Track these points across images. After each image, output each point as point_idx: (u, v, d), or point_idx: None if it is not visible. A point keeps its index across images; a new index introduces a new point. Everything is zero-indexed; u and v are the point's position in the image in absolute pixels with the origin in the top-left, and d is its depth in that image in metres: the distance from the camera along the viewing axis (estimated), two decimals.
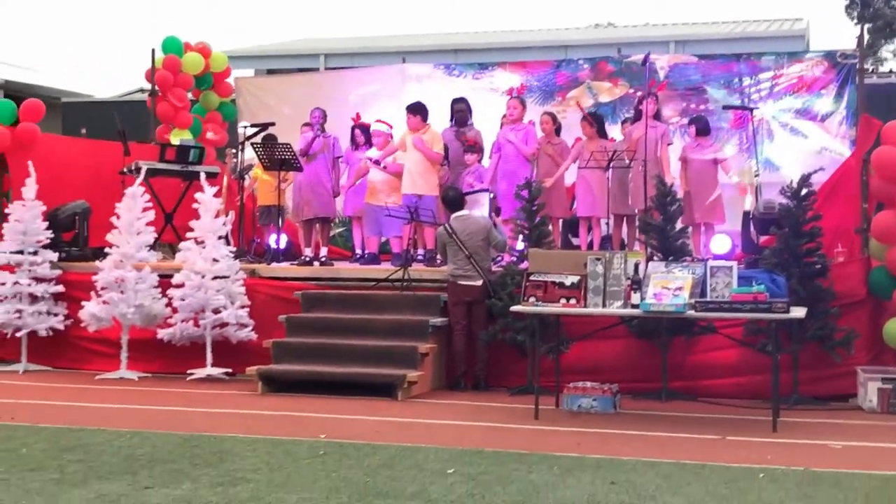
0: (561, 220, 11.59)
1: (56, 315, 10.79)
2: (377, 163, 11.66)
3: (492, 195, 11.33)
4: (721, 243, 10.83)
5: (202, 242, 10.30)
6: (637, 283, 8.03)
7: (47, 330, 10.69)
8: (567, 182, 11.65)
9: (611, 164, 10.74)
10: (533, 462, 6.60)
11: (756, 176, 11.12)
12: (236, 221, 11.59)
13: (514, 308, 8.56)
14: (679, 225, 9.54)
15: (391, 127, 11.96)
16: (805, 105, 12.61)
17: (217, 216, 10.43)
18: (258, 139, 11.94)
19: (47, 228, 10.86)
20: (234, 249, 10.71)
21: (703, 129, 11.25)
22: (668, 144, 11.10)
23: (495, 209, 11.42)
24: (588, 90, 13.41)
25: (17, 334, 10.69)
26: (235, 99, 14.80)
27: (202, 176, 10.82)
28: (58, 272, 10.90)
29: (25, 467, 6.37)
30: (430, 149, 11.08)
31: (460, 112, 11.82)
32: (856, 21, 32.72)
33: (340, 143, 12.25)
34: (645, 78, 11.00)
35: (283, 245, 12.00)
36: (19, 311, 10.64)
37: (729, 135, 12.76)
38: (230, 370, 10.18)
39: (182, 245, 10.50)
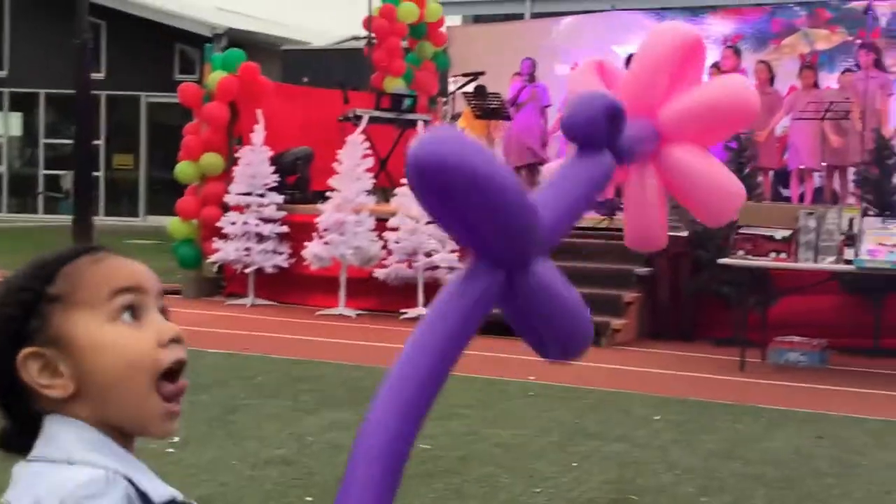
0: (772, 172, 11.43)
1: (281, 254, 11.53)
2: None
3: None
4: None
5: None
6: (851, 239, 7.93)
7: (273, 267, 11.44)
8: (777, 132, 11.45)
9: (826, 115, 10.50)
10: (738, 413, 6.72)
11: None
12: None
13: (723, 260, 8.61)
14: None
15: None
16: None
17: None
18: (469, 88, 12.27)
19: (273, 172, 11.57)
20: None
21: None
22: (889, 95, 10.75)
23: None
24: (804, 37, 13.07)
25: (246, 270, 11.51)
26: (448, 48, 15.16)
27: (419, 124, 11.25)
28: (283, 213, 11.62)
29: (262, 394, 6.99)
30: None
31: None
32: None
33: (550, 92, 12.43)
34: (866, 25, 10.65)
35: None
36: (248, 248, 11.42)
37: None
38: None
39: (397, 190, 10.99)
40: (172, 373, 1.20)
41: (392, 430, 1.35)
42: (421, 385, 1.38)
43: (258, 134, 11.44)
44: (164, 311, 1.23)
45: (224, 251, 11.45)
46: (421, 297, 10.70)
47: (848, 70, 11.31)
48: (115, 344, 1.17)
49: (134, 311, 1.19)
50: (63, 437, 1.17)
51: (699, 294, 9.67)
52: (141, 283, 1.21)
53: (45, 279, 1.19)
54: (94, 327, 1.17)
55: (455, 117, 12.92)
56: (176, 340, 1.21)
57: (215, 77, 12.06)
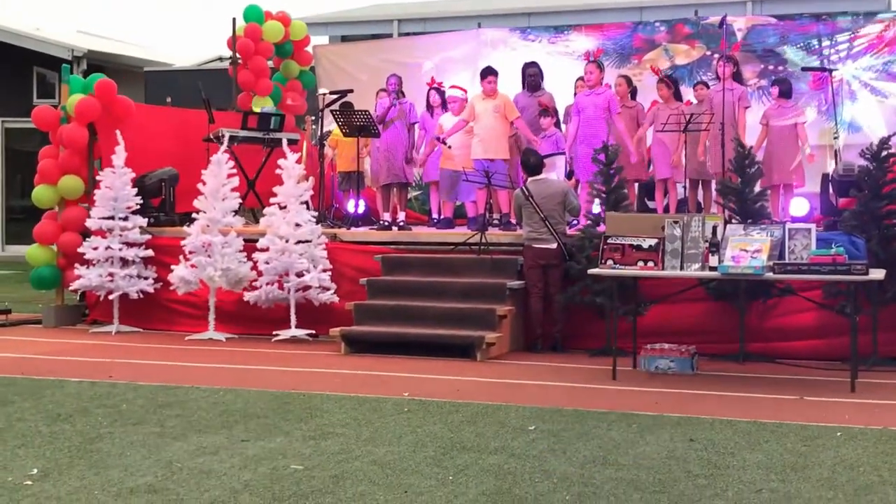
0: (637, 184, 11.63)
1: (146, 278, 11.18)
2: (443, 142, 11.66)
3: (571, 158, 11.33)
4: (799, 206, 10.79)
5: (285, 207, 10.57)
6: (715, 246, 8.10)
7: (138, 292, 11.08)
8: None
9: (687, 127, 10.75)
10: (612, 420, 6.75)
11: (835, 138, 11.04)
12: (316, 187, 11.84)
13: (592, 271, 8.69)
14: (758, 188, 9.55)
15: (465, 91, 12.06)
16: (886, 65, 12.46)
17: (299, 182, 10.69)
18: (337, 106, 12.16)
19: (136, 195, 11.22)
20: (316, 214, 10.96)
21: (786, 91, 11.09)
22: (746, 108, 11.06)
23: (568, 173, 11.49)
24: (664, 52, 13.40)
25: (110, 297, 11.12)
26: (314, 66, 15.03)
27: (284, 143, 11.08)
28: (147, 237, 11.29)
29: (127, 422, 6.71)
30: (507, 117, 11.19)
31: (532, 76, 11.84)
32: None
33: (416, 109, 12.39)
34: (727, 39, 10.95)
35: (361, 210, 12.25)
36: (111, 274, 11.04)
37: (808, 96, 12.67)
38: (313, 331, 10.48)
39: (266, 210, 10.79)
40: None
41: None
42: None
43: (119, 156, 11.09)
44: None
45: (86, 277, 11.03)
46: (293, 319, 10.50)
47: (701, 83, 11.50)
48: None
49: None
50: None
51: (570, 305, 9.74)
52: None
53: None
54: None
55: (325, 135, 12.79)
56: None
57: (73, 99, 11.65)
